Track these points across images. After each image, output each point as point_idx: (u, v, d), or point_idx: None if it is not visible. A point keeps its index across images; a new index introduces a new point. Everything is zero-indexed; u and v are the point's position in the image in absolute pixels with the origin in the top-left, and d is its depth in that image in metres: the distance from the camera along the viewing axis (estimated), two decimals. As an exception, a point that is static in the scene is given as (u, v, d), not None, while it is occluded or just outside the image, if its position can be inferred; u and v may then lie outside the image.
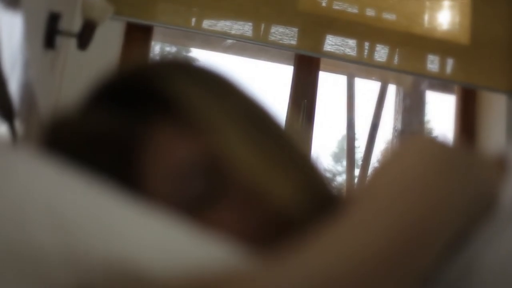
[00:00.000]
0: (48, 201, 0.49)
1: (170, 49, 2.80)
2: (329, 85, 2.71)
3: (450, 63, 2.66)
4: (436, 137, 0.58)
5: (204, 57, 2.72)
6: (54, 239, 0.48)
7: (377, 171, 0.56)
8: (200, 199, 0.55)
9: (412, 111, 2.83)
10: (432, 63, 2.66)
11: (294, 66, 2.60)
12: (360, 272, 0.46)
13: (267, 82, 2.71)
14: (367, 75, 2.72)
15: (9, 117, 1.28)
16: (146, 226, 0.50)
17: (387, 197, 0.51)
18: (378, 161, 0.57)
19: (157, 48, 2.62)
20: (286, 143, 0.59)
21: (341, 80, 2.80)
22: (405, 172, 0.53)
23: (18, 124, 1.36)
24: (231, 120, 0.56)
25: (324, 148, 2.69)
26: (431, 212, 0.51)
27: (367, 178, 0.56)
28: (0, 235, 0.47)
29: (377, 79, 2.70)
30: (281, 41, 2.55)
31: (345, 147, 2.89)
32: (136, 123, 0.56)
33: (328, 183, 0.60)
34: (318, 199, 0.56)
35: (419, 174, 0.53)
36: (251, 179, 0.54)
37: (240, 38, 2.52)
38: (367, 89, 2.80)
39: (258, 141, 0.56)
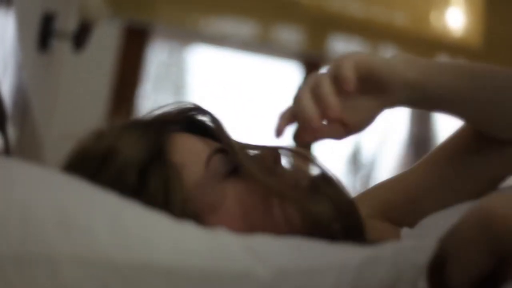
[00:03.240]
0: (113, 217, 0.52)
1: (170, 48, 2.75)
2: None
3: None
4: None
5: (205, 55, 2.67)
6: (123, 257, 0.49)
7: None
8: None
9: (421, 113, 2.78)
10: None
11: (300, 66, 2.57)
12: None
13: (272, 80, 2.66)
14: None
15: (1, 121, 1.24)
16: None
17: None
18: None
19: (158, 48, 2.57)
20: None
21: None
22: None
23: (11, 129, 1.31)
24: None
25: (335, 152, 2.64)
26: None
27: None
28: (69, 248, 0.48)
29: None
30: (285, 41, 2.50)
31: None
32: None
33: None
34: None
35: None
36: None
37: (243, 38, 2.48)
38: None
39: None
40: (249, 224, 0.66)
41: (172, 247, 0.51)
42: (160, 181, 0.65)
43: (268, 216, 0.67)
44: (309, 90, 0.65)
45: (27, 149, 1.49)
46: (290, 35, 2.52)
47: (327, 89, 0.64)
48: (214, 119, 0.76)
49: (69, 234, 0.49)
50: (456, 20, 2.66)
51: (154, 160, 0.66)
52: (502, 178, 0.82)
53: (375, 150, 2.80)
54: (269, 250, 0.53)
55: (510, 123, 0.75)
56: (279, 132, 0.65)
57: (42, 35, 1.69)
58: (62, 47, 2.01)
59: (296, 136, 0.67)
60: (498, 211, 0.50)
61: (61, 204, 0.51)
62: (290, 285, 0.50)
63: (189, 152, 0.69)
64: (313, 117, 0.63)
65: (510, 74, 0.74)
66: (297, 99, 0.66)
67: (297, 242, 0.56)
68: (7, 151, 1.24)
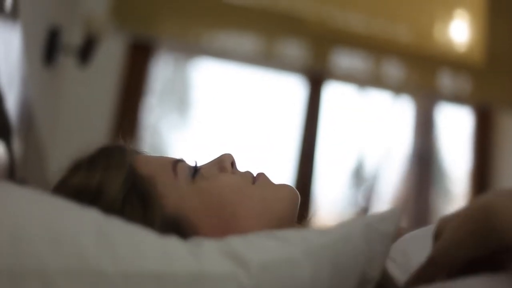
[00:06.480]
0: (99, 229, 0.55)
1: (175, 62, 2.77)
2: (339, 99, 2.68)
3: (465, 81, 2.60)
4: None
5: (209, 70, 2.68)
6: (113, 266, 0.52)
7: None
8: None
9: (424, 127, 2.78)
10: (446, 82, 2.60)
11: (303, 80, 2.58)
12: None
13: (275, 94, 2.67)
14: (377, 86, 2.68)
15: (6, 135, 1.24)
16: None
17: None
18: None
19: (162, 63, 2.58)
20: None
21: (351, 93, 2.76)
22: None
23: (16, 142, 1.32)
24: None
25: (339, 164, 2.64)
26: None
27: None
28: (59, 263, 0.51)
29: (387, 89, 2.67)
30: (289, 56, 2.51)
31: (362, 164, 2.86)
32: None
33: None
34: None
35: None
36: None
37: (247, 52, 2.49)
38: (378, 101, 2.76)
39: None
40: (224, 215, 0.70)
41: (159, 254, 0.54)
42: (138, 196, 0.69)
43: (242, 206, 0.71)
44: None
45: (32, 162, 1.49)
46: (294, 49, 2.53)
47: None
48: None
49: (59, 249, 0.52)
50: (459, 35, 2.66)
51: (131, 182, 0.71)
52: None
53: (379, 164, 2.80)
54: (247, 247, 0.56)
55: None
56: None
57: (48, 49, 1.70)
58: (67, 62, 2.02)
59: None
60: (497, 208, 0.53)
61: (50, 222, 0.54)
62: (273, 276, 0.53)
63: (153, 165, 0.74)
64: None
65: None
66: None
67: (273, 234, 0.59)
68: (12, 164, 1.24)
